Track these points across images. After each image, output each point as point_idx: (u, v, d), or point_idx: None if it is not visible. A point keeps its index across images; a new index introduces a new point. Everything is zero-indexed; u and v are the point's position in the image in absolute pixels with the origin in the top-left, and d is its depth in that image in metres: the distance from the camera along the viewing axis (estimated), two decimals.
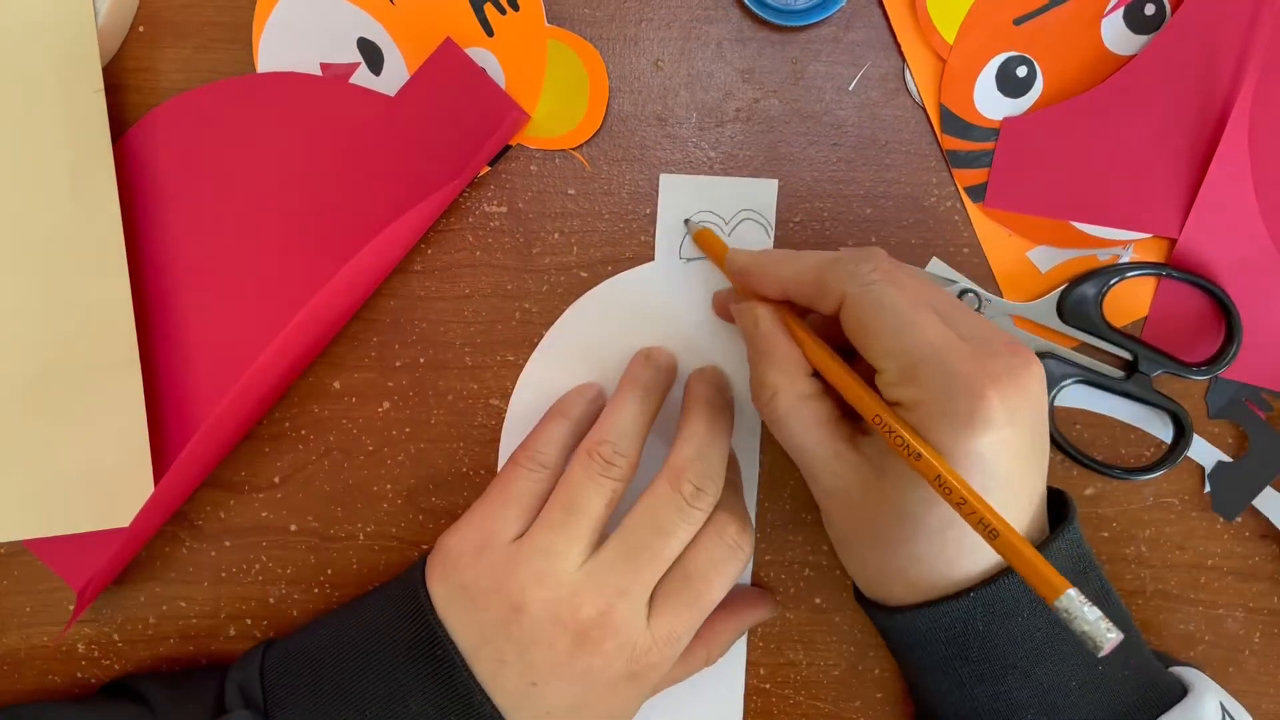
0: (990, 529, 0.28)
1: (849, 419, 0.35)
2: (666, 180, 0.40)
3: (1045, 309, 0.40)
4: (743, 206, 0.40)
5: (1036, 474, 0.33)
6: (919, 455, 0.30)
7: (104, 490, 0.39)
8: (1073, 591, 0.26)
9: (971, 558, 0.32)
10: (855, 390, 0.32)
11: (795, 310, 0.36)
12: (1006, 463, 0.30)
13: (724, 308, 0.40)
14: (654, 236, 0.41)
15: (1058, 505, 0.35)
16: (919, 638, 0.34)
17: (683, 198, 0.40)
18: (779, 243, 0.41)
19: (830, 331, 0.35)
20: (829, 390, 0.35)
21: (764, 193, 0.40)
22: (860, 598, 0.37)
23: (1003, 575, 0.32)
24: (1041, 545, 0.33)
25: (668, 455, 0.36)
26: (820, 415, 0.34)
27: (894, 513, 0.32)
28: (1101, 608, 0.29)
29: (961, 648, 0.33)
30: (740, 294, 0.38)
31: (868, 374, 0.33)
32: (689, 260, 0.40)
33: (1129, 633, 0.34)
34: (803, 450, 0.34)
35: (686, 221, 0.40)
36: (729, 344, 0.41)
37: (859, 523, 0.34)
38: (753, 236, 0.40)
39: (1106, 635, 0.26)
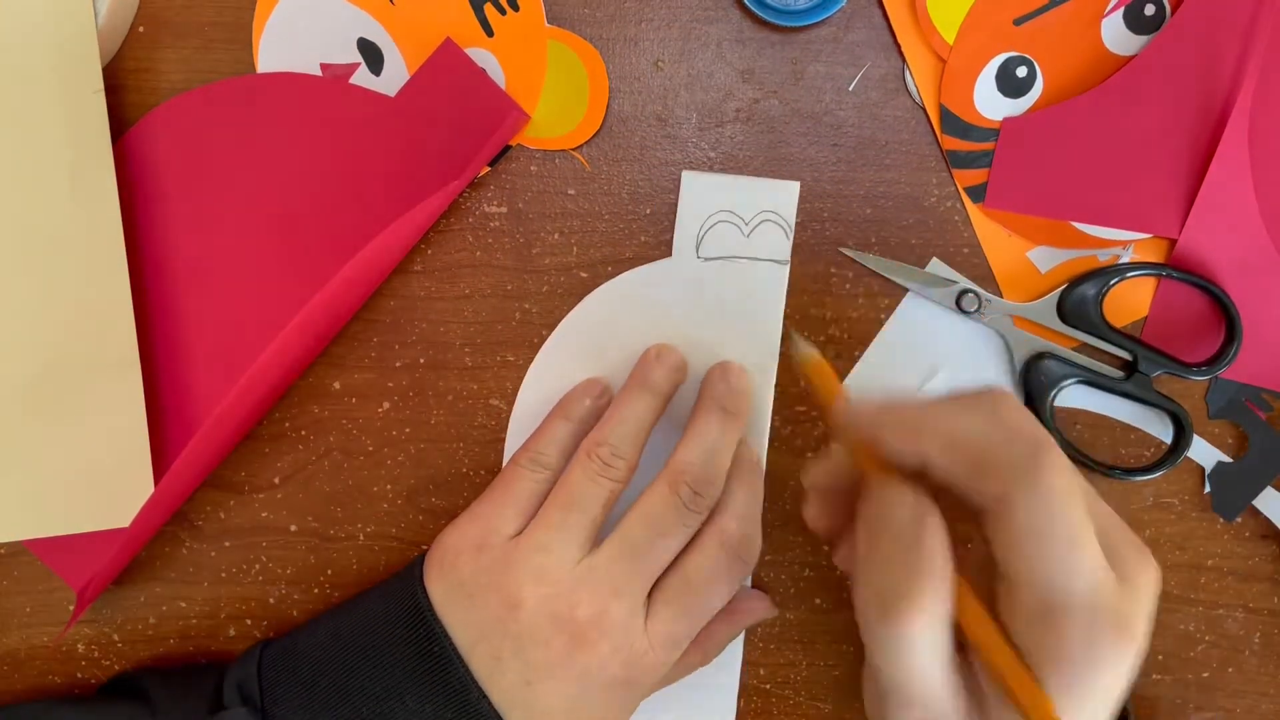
0: None
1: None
2: (688, 178, 0.40)
3: (1045, 309, 0.40)
4: (763, 208, 0.40)
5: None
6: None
7: (104, 490, 0.39)
8: None
9: None
10: (988, 636, 0.27)
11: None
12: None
13: (826, 501, 0.33)
14: (655, 236, 0.41)
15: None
16: None
17: (703, 196, 0.40)
18: (795, 245, 0.41)
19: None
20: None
21: (786, 195, 0.40)
22: None
23: None
24: None
25: (672, 454, 0.36)
26: (949, 647, 0.28)
27: None
28: None
29: None
30: (853, 454, 0.31)
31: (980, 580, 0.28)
32: (707, 260, 0.40)
33: None
34: (912, 681, 0.27)
35: (793, 337, 0.36)
36: (747, 347, 0.40)
37: None
38: (772, 238, 0.40)
39: None
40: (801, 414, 0.42)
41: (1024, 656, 0.27)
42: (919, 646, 0.27)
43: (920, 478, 0.28)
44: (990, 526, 0.27)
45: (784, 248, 0.40)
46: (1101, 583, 0.26)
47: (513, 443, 0.41)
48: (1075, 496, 0.27)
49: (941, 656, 0.27)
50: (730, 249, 0.40)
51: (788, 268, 0.40)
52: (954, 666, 0.28)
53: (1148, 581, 0.27)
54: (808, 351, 0.34)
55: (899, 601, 0.27)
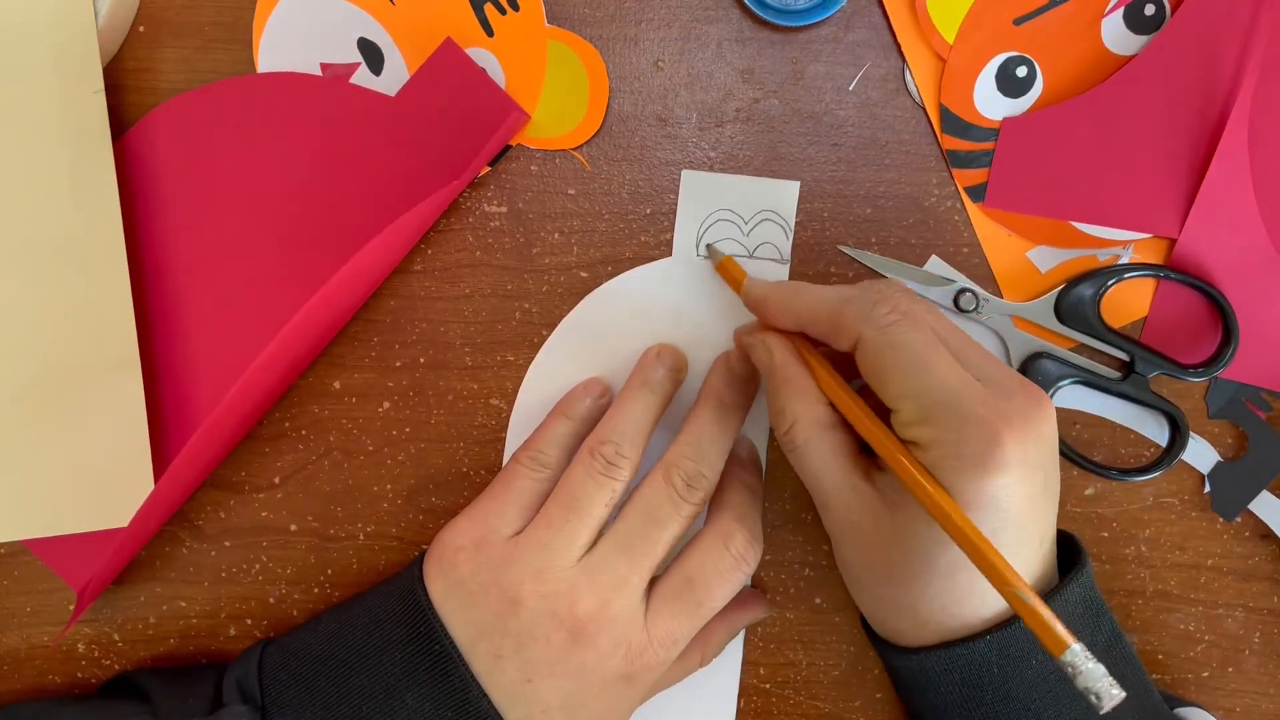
0: (1000, 575, 0.28)
1: (865, 454, 0.35)
2: (688, 177, 0.40)
3: (1042, 309, 0.40)
4: (763, 207, 0.40)
5: (1048, 517, 0.33)
6: (931, 496, 0.30)
7: (104, 490, 0.39)
8: (1077, 646, 0.26)
9: (983, 599, 0.32)
10: (869, 426, 0.33)
11: (810, 342, 0.36)
12: (1019, 505, 0.30)
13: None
14: (655, 236, 0.41)
15: (1069, 550, 0.35)
16: (932, 679, 0.34)
17: (703, 195, 0.40)
18: (795, 245, 0.41)
19: (843, 366, 0.35)
20: (846, 424, 0.35)
21: (785, 194, 0.40)
22: (870, 634, 0.37)
23: (1017, 619, 0.32)
24: (1052, 592, 0.33)
25: (670, 445, 0.37)
26: (838, 446, 0.34)
27: (906, 550, 0.32)
28: (1111, 656, 0.28)
29: (976, 690, 0.33)
30: (759, 326, 0.38)
31: (882, 413, 0.33)
32: (707, 258, 0.40)
33: (1139, 679, 0.34)
34: (819, 480, 0.34)
35: (709, 246, 0.40)
36: None
37: (871, 558, 0.34)
38: (771, 237, 0.40)
39: (1110, 692, 0.26)
40: None
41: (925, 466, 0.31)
42: (810, 451, 0.34)
43: (806, 337, 0.36)
44: (861, 370, 0.33)
45: (784, 246, 0.40)
46: (963, 390, 0.31)
47: (513, 442, 0.41)
48: (916, 326, 0.32)
49: (835, 460, 0.34)
50: (730, 248, 0.40)
51: (788, 267, 0.40)
52: (860, 473, 0.34)
53: (1026, 399, 0.31)
54: (720, 254, 0.40)
55: (779, 419, 0.35)
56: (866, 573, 0.34)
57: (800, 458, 0.35)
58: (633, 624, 0.34)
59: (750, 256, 0.40)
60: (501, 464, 0.42)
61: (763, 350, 0.36)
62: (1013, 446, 0.30)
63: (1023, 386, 0.32)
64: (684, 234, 0.40)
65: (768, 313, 0.36)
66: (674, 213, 0.41)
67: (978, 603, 0.32)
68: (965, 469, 0.30)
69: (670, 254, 0.41)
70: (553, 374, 0.41)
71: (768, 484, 0.42)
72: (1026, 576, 0.32)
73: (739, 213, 0.40)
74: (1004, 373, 0.32)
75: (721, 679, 0.42)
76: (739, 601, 0.40)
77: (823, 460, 0.34)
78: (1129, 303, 0.41)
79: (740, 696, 0.43)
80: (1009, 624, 0.32)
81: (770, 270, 0.40)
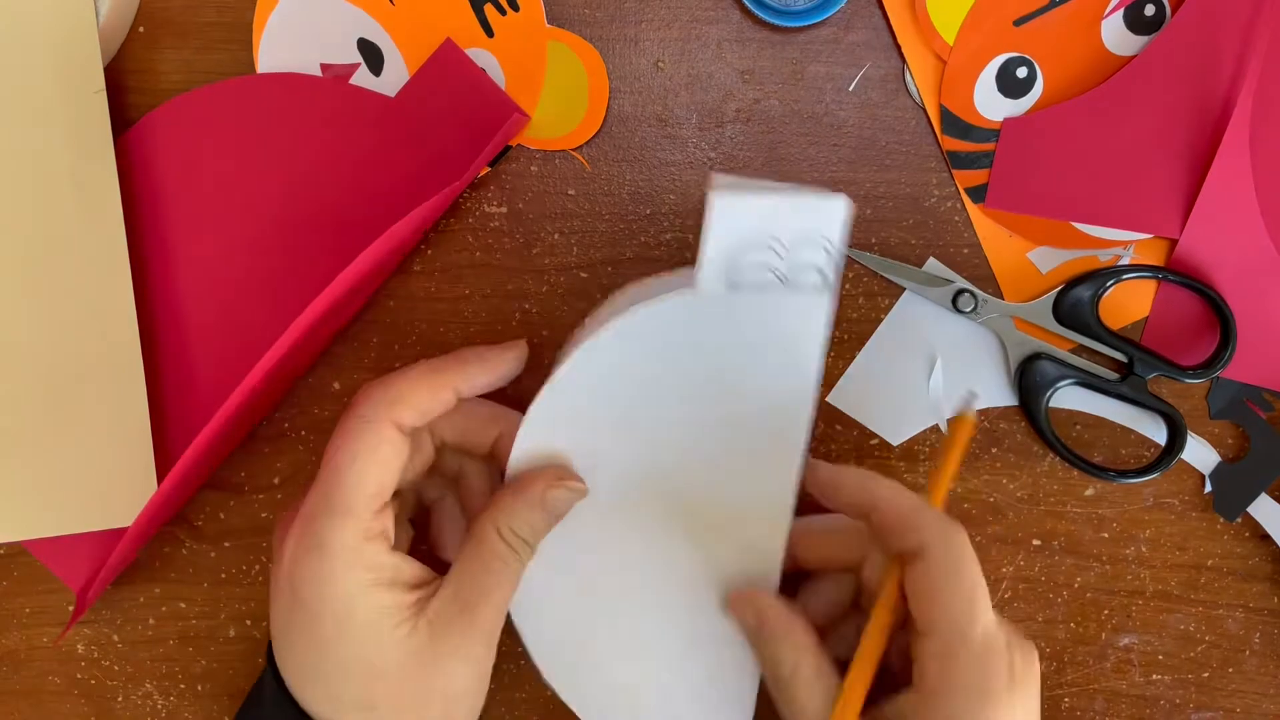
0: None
1: None
2: (718, 200, 0.32)
3: (1041, 310, 0.40)
4: (805, 229, 0.33)
5: None
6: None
7: (107, 490, 0.39)
8: None
9: None
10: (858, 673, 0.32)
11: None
12: None
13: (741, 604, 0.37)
14: (654, 237, 0.41)
15: None
16: None
17: (735, 218, 0.32)
18: None
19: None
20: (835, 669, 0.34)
21: (831, 214, 0.32)
22: None
23: None
24: None
25: None
26: (833, 689, 0.33)
27: None
28: None
29: None
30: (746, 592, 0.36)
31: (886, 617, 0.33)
32: (736, 291, 0.33)
33: None
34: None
35: (965, 398, 0.36)
36: (778, 391, 0.35)
37: None
38: (814, 261, 0.33)
39: None
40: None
41: (930, 692, 0.31)
42: (811, 693, 0.33)
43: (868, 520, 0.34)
44: (910, 580, 0.32)
45: (829, 272, 0.33)
46: (995, 632, 0.31)
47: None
48: (975, 561, 0.32)
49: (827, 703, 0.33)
50: (764, 278, 0.33)
51: (829, 298, 0.33)
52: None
53: (1032, 651, 0.32)
54: (968, 412, 0.35)
55: (771, 666, 0.35)
56: None
57: (800, 700, 0.33)
58: None
59: (787, 283, 0.33)
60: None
61: (752, 607, 0.35)
62: (1019, 706, 0.31)
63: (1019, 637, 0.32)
64: (711, 261, 0.33)
65: (838, 493, 0.34)
66: (674, 213, 0.41)
67: None
68: (970, 698, 0.30)
69: (663, 261, 0.39)
70: (549, 431, 0.35)
71: None
72: None
73: (777, 237, 0.33)
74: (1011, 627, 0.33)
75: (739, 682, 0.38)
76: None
77: (821, 702, 0.33)
78: (1129, 304, 0.41)
79: None
80: None
81: (808, 302, 0.34)
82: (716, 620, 0.37)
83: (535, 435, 0.35)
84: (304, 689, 0.33)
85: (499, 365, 0.36)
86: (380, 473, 0.33)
